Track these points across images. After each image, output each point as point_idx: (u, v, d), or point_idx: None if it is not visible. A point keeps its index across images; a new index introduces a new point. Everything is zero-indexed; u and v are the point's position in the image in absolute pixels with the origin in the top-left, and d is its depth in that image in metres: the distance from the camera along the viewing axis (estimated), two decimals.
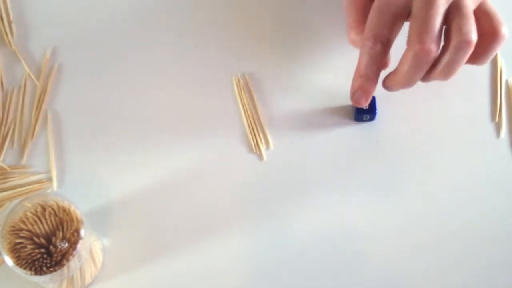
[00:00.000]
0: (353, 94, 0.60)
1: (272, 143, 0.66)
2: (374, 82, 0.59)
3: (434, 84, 0.68)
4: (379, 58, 0.58)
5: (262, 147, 0.66)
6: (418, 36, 0.55)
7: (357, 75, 0.59)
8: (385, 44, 0.57)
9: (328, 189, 0.64)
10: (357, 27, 0.60)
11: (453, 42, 0.55)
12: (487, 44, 0.58)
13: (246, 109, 0.67)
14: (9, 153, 0.65)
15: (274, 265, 0.61)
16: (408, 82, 0.58)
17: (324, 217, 0.63)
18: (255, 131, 0.66)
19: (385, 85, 0.60)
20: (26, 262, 0.53)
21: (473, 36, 0.55)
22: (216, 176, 0.64)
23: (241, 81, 0.68)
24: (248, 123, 0.66)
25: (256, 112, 0.67)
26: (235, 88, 0.68)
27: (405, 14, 0.57)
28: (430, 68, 0.57)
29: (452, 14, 0.56)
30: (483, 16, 0.58)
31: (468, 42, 0.55)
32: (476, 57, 0.58)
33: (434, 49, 0.55)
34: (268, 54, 0.69)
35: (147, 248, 0.62)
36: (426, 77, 0.59)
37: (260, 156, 0.65)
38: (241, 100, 0.67)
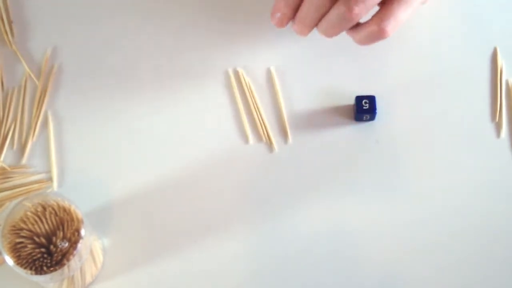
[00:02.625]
0: (272, 14, 0.62)
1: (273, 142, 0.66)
2: (292, 10, 0.61)
3: (434, 84, 0.68)
4: None
5: (264, 146, 0.66)
6: None
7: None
8: None
9: (328, 189, 0.64)
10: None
11: (338, 6, 0.59)
12: (368, 30, 0.60)
13: (255, 104, 0.67)
14: (9, 153, 0.65)
15: (274, 264, 0.61)
16: (304, 22, 0.61)
17: (324, 217, 0.63)
18: (262, 129, 0.66)
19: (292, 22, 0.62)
20: (26, 262, 0.53)
21: (356, 11, 0.58)
22: (216, 176, 0.64)
23: (238, 74, 0.68)
24: (258, 119, 0.66)
25: (259, 111, 0.67)
26: (233, 81, 0.68)
27: None
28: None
29: None
30: (387, 5, 0.59)
31: (349, 14, 0.58)
32: (357, 36, 0.61)
33: (357, 13, 0.58)
34: (267, 54, 0.69)
35: (147, 248, 0.62)
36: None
37: (259, 156, 0.65)
38: (247, 96, 0.67)
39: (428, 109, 0.67)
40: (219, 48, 0.69)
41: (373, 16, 0.59)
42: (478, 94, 0.68)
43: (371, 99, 0.65)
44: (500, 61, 0.69)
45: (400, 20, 0.59)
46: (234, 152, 0.65)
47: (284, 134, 0.66)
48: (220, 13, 0.71)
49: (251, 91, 0.68)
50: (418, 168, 0.65)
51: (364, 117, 0.66)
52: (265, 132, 0.66)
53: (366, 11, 0.58)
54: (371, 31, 0.59)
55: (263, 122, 0.67)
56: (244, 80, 0.68)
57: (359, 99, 0.65)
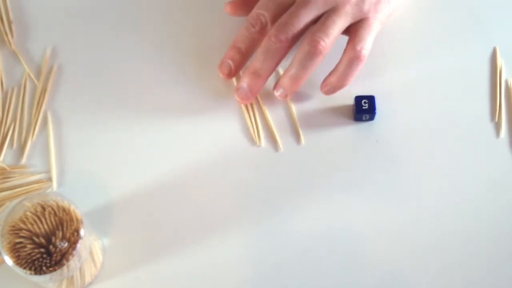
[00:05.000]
0: (222, 63, 0.66)
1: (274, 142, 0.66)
2: (245, 57, 0.65)
3: (433, 84, 0.68)
4: (255, 36, 0.64)
5: (264, 146, 0.66)
6: (275, 27, 0.62)
7: (232, 46, 0.65)
8: (264, 26, 0.63)
9: (328, 189, 0.64)
10: (237, 3, 0.68)
11: (303, 46, 0.63)
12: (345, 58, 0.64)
13: (250, 109, 0.67)
14: (9, 153, 0.65)
15: (274, 264, 0.61)
16: (257, 73, 0.64)
17: (324, 217, 0.63)
18: (256, 131, 0.66)
19: (242, 77, 0.66)
20: (26, 262, 0.53)
21: (322, 44, 0.62)
22: (216, 176, 0.64)
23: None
24: (251, 122, 0.66)
25: (263, 113, 0.67)
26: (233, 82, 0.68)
27: (288, 6, 0.63)
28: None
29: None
30: (353, 32, 0.64)
31: (315, 48, 0.62)
32: (337, 72, 0.65)
33: (284, 41, 0.62)
34: None
35: (147, 248, 0.62)
36: (278, 81, 0.66)
37: (260, 156, 0.65)
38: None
39: (428, 109, 0.67)
40: (220, 49, 0.69)
41: (346, 46, 0.64)
42: (477, 94, 0.68)
43: (371, 99, 0.65)
44: (500, 61, 0.69)
45: (369, 42, 0.64)
46: (234, 152, 0.65)
47: (283, 134, 0.66)
48: (224, 15, 0.71)
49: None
50: (417, 167, 0.65)
51: (364, 117, 0.66)
52: (266, 133, 0.66)
53: (330, 43, 0.63)
54: (348, 57, 0.63)
55: (265, 123, 0.67)
56: None
57: (358, 99, 0.65)
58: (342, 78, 0.64)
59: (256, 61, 0.64)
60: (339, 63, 0.64)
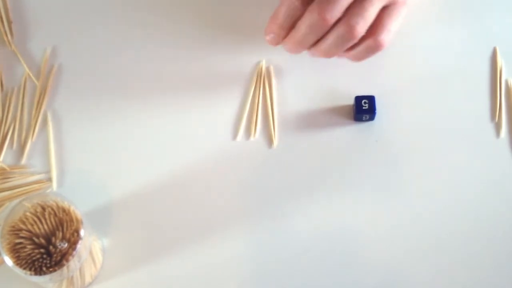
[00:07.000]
0: (267, 34, 0.64)
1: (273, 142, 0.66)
2: (289, 31, 0.63)
3: (433, 84, 0.68)
4: (296, 12, 0.61)
5: (264, 146, 0.66)
6: (319, 5, 0.60)
7: (273, 21, 0.63)
8: (304, 1, 0.61)
9: (328, 189, 0.64)
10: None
11: (339, 27, 0.60)
12: (365, 45, 0.62)
13: (258, 103, 0.67)
14: (9, 153, 0.65)
15: (274, 265, 0.61)
16: (299, 43, 0.62)
17: (324, 217, 0.63)
18: (262, 127, 0.66)
19: (284, 41, 0.64)
20: (25, 262, 0.53)
21: (358, 30, 0.60)
22: (216, 176, 0.64)
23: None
24: (259, 118, 0.67)
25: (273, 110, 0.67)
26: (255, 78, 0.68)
27: None
28: (318, 42, 0.62)
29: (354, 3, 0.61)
30: (378, 18, 0.62)
31: (351, 33, 0.60)
32: (353, 52, 0.63)
33: (329, 20, 0.59)
34: (268, 54, 0.69)
35: (147, 248, 0.62)
36: (311, 49, 0.63)
37: (260, 156, 0.65)
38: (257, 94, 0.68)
39: (428, 109, 0.67)
40: (218, 48, 0.69)
41: (368, 31, 0.61)
42: (478, 94, 0.68)
43: (371, 99, 0.65)
44: (500, 61, 0.69)
45: (393, 31, 0.62)
46: (234, 152, 0.65)
47: (283, 134, 0.66)
48: (222, 14, 0.71)
49: (254, 90, 0.68)
50: (417, 168, 0.65)
51: (364, 117, 0.66)
52: (265, 131, 0.66)
53: (366, 27, 0.60)
54: (368, 45, 0.61)
55: (266, 120, 0.67)
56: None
57: (358, 99, 0.65)
58: (357, 59, 0.63)
59: (299, 32, 0.62)
60: (354, 46, 0.62)
